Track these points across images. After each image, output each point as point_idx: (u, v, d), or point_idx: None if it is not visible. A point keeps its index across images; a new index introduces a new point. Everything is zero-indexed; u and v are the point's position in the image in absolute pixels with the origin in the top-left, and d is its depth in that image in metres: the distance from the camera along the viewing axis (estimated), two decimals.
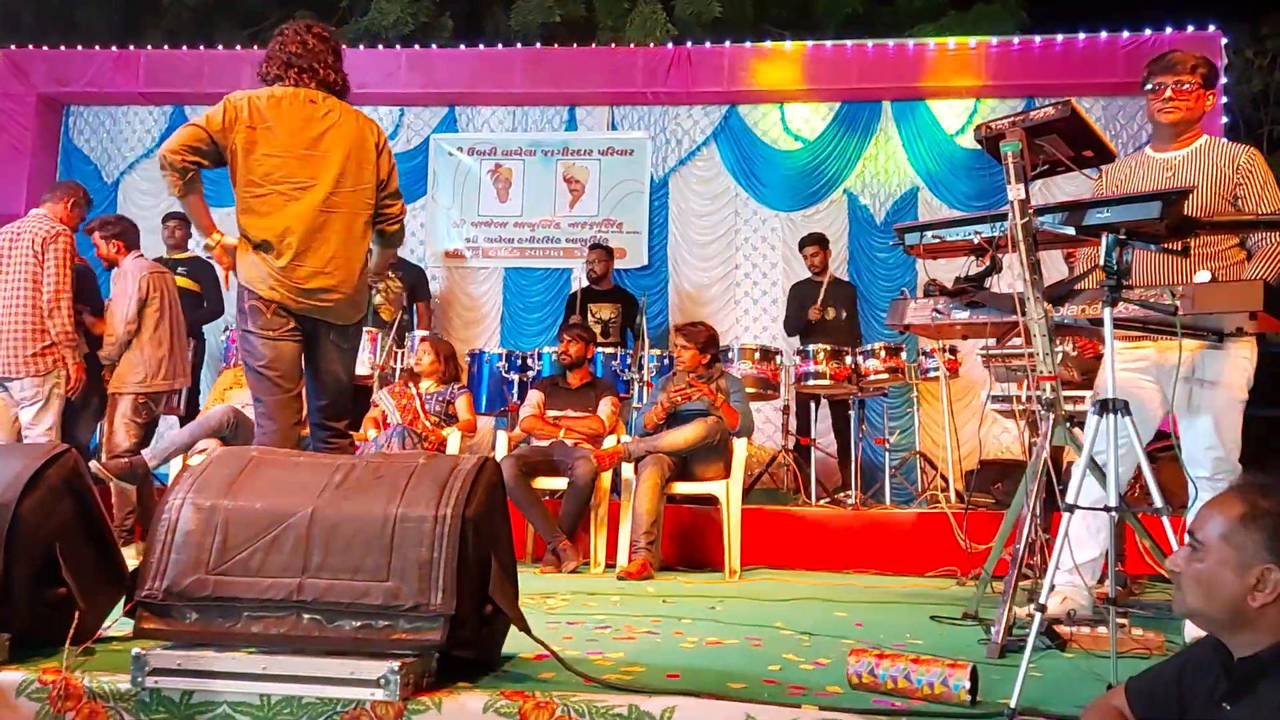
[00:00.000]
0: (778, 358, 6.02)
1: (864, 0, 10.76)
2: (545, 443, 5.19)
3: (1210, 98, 3.16)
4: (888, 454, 6.11)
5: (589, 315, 6.67)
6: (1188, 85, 3.11)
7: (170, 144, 3.15)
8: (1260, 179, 3.04)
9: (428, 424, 5.41)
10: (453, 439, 5.37)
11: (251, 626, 2.00)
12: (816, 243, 6.69)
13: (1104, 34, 7.13)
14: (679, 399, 4.96)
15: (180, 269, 6.40)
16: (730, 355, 5.85)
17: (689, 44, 7.99)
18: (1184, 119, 3.14)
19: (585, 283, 6.88)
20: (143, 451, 4.91)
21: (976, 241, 2.90)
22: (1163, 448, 4.26)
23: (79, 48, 8.10)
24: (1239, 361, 2.98)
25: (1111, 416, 2.46)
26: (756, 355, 5.90)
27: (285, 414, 3.26)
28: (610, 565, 4.75)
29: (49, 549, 2.26)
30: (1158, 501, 2.44)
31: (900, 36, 8.15)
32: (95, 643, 2.21)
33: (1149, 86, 3.18)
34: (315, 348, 3.35)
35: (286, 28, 3.43)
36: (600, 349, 6.05)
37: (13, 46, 8.07)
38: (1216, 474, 2.96)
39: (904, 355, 5.83)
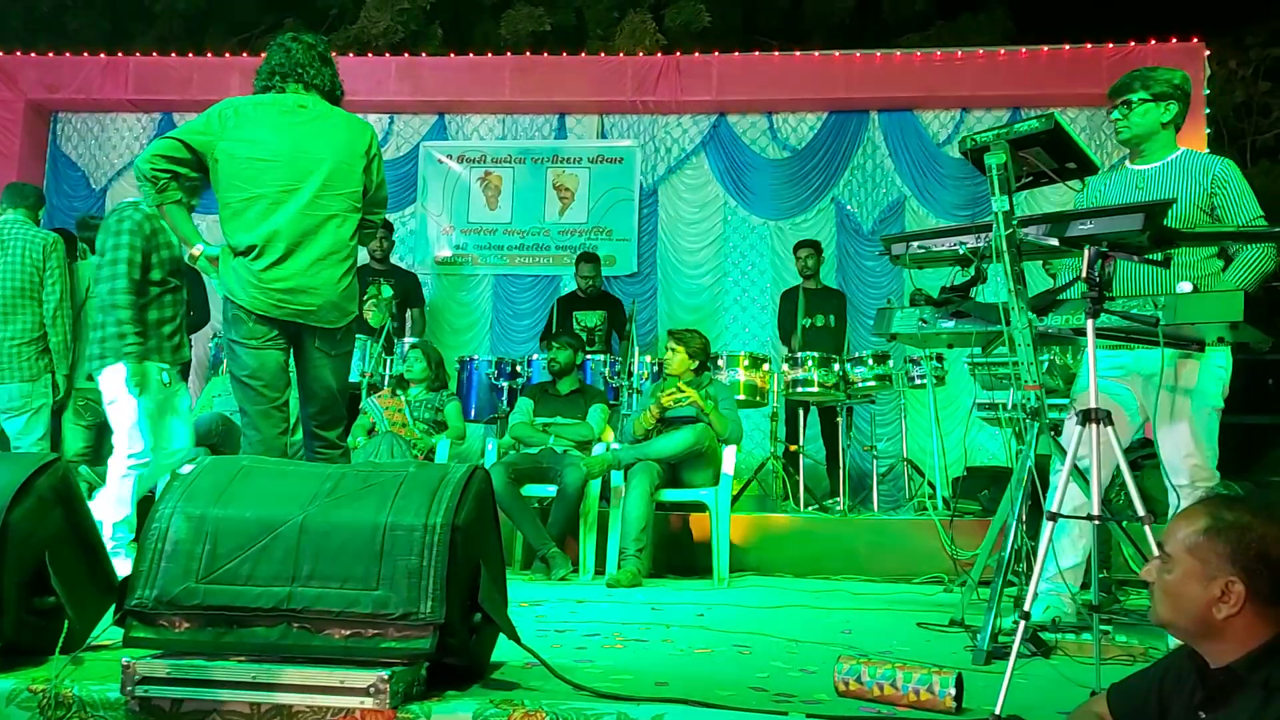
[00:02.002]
0: (766, 365, 6.05)
1: (852, 11, 10.83)
2: (534, 450, 5.20)
3: (1166, 106, 3.18)
4: (875, 461, 6.14)
5: (574, 323, 6.68)
6: (1128, 101, 3.21)
7: (143, 154, 3.21)
8: (1236, 189, 3.08)
9: (416, 431, 5.42)
10: (442, 446, 5.38)
11: (241, 635, 2.01)
12: (809, 245, 6.74)
13: (1089, 45, 7.19)
14: (668, 402, 4.97)
15: None
16: (719, 362, 5.87)
17: (678, 53, 8.03)
18: (1134, 135, 3.24)
19: (573, 288, 6.90)
20: None
21: (962, 252, 2.93)
22: (1147, 455, 4.30)
23: (68, 55, 8.08)
24: (1214, 370, 3.02)
25: (1094, 426, 2.49)
26: (745, 362, 5.92)
27: (269, 423, 3.26)
28: (599, 572, 4.76)
29: (39, 558, 2.25)
30: (1139, 509, 2.47)
31: (888, 47, 8.20)
32: (84, 652, 2.21)
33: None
34: (301, 355, 3.34)
35: (272, 42, 3.46)
36: (588, 356, 6.07)
37: (1, 53, 8.05)
38: (1195, 481, 2.99)
39: (891, 363, 5.86)
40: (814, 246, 6.74)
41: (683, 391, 4.96)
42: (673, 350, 5.14)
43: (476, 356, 6.24)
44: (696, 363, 5.15)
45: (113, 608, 2.10)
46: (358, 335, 5.77)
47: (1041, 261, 4.34)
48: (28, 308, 4.61)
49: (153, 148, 3.20)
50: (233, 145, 3.21)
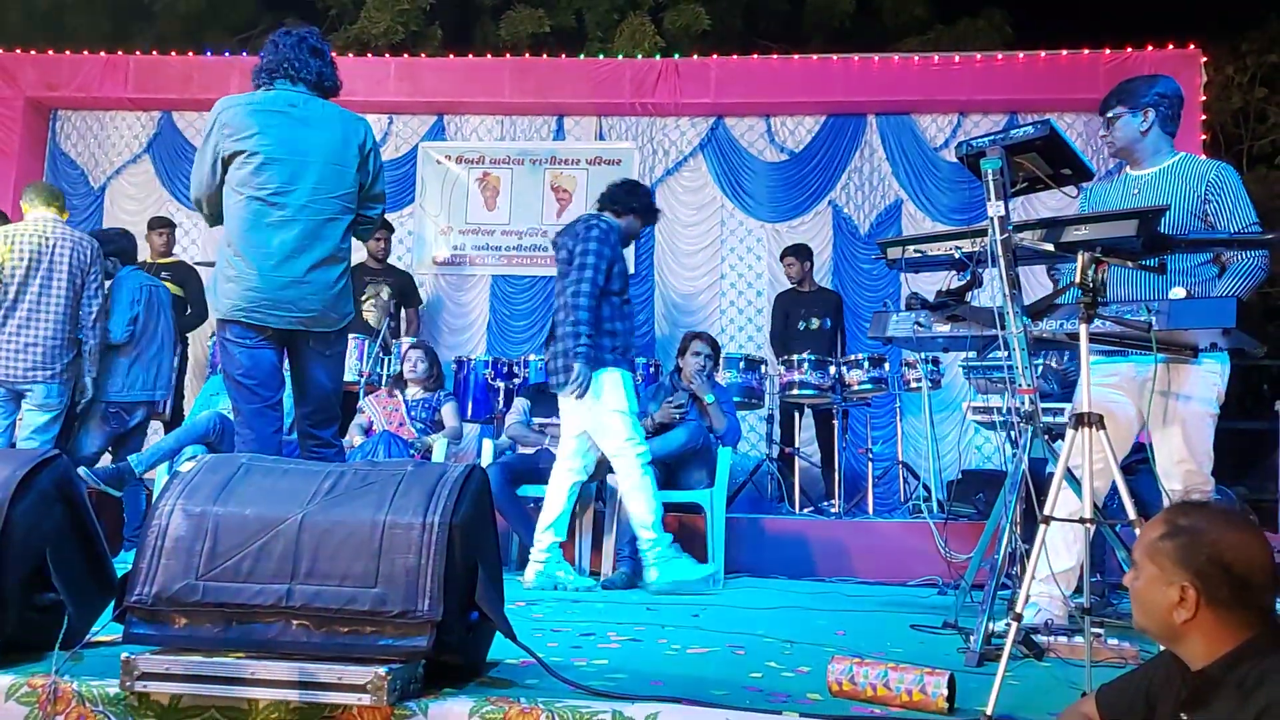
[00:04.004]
0: (762, 367, 6.06)
1: (851, 14, 10.85)
2: (531, 450, 5.21)
3: (1144, 114, 3.21)
4: (871, 464, 6.16)
5: None
6: (1109, 117, 3.26)
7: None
8: (1231, 195, 3.09)
9: (414, 431, 5.43)
10: (439, 446, 5.39)
11: (240, 632, 2.02)
12: (793, 254, 6.75)
13: (1087, 51, 7.21)
14: (678, 415, 5.00)
15: (164, 274, 6.41)
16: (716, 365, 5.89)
17: (677, 56, 8.05)
18: (1122, 148, 3.29)
19: None
20: (129, 458, 4.91)
21: (957, 256, 2.94)
22: (1140, 460, 4.32)
23: (68, 52, 8.08)
24: (1210, 376, 3.03)
25: (1087, 430, 2.51)
26: (741, 365, 5.94)
27: (263, 422, 3.27)
28: (595, 573, 4.78)
29: (39, 554, 2.27)
30: (1131, 514, 2.49)
31: (886, 51, 8.22)
32: (84, 647, 2.22)
33: None
34: (296, 355, 3.35)
35: (267, 39, 3.46)
36: None
37: (1, 51, 8.05)
38: (1189, 487, 3.00)
39: (887, 366, 5.88)
40: (797, 254, 6.75)
41: (682, 406, 5.01)
42: (708, 357, 5.15)
43: (474, 357, 6.26)
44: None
45: (113, 604, 2.12)
46: (357, 335, 5.82)
47: (1046, 267, 4.37)
48: (66, 310, 4.70)
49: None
50: (230, 149, 3.22)
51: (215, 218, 3.34)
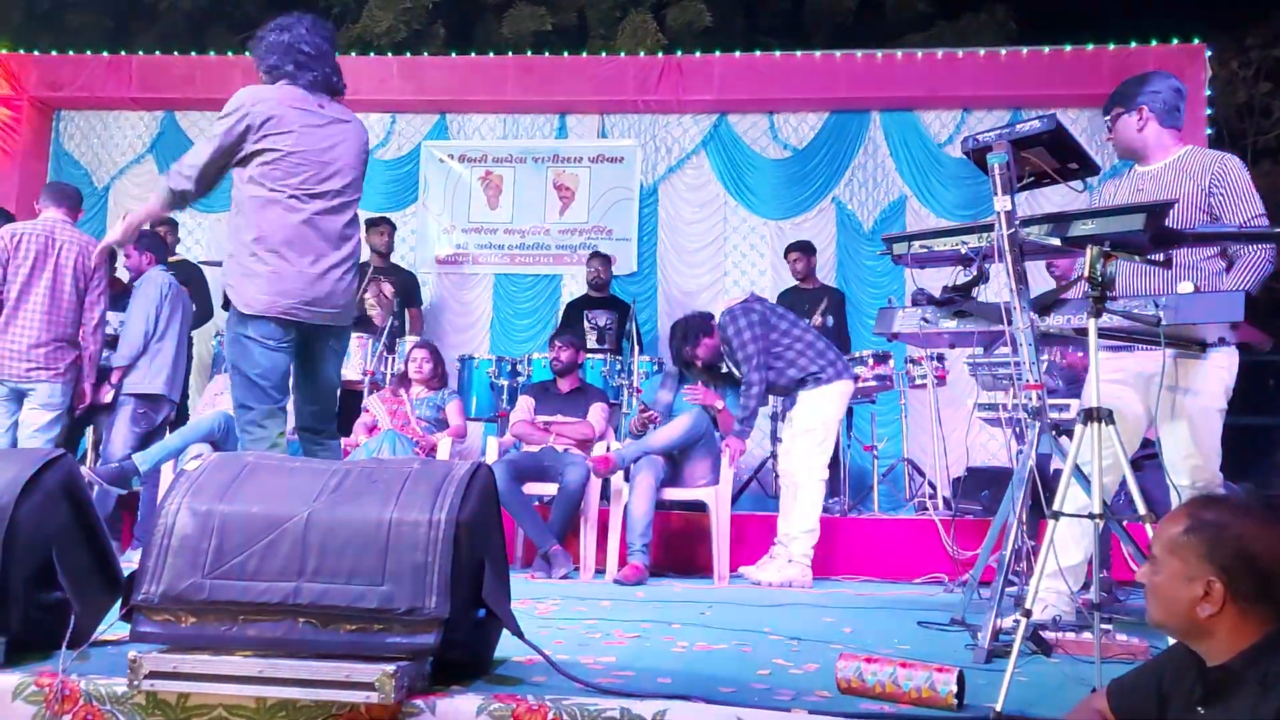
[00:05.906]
0: None
1: (853, 10, 10.82)
2: (536, 448, 5.21)
3: (1140, 112, 3.19)
4: (876, 461, 6.15)
5: (587, 321, 6.70)
6: (1110, 118, 3.27)
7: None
8: (1236, 187, 3.05)
9: (418, 429, 5.43)
10: (443, 445, 5.39)
11: (247, 630, 2.02)
12: (798, 249, 6.75)
13: (1091, 47, 7.19)
14: (655, 417, 5.07)
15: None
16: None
17: (679, 53, 8.03)
18: (1125, 148, 3.29)
19: (584, 290, 6.94)
20: (133, 456, 4.92)
21: (963, 252, 2.94)
22: (1148, 455, 4.32)
23: (70, 52, 8.09)
24: (1217, 371, 3.01)
25: (1096, 425, 2.50)
26: None
27: (275, 422, 3.28)
28: (600, 570, 4.77)
29: (45, 553, 2.27)
30: (1141, 508, 2.48)
31: (889, 47, 8.20)
32: (91, 646, 2.22)
33: None
34: (313, 353, 3.36)
35: (273, 23, 3.39)
36: (595, 355, 6.09)
37: (4, 50, 8.05)
38: (1196, 482, 2.99)
39: (892, 363, 5.86)
40: (803, 249, 6.76)
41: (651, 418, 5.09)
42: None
43: (477, 355, 6.25)
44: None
45: (120, 602, 2.11)
46: (361, 333, 5.84)
47: (1046, 263, 4.34)
48: (70, 311, 4.73)
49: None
50: (259, 143, 3.21)
51: (202, 194, 3.29)
